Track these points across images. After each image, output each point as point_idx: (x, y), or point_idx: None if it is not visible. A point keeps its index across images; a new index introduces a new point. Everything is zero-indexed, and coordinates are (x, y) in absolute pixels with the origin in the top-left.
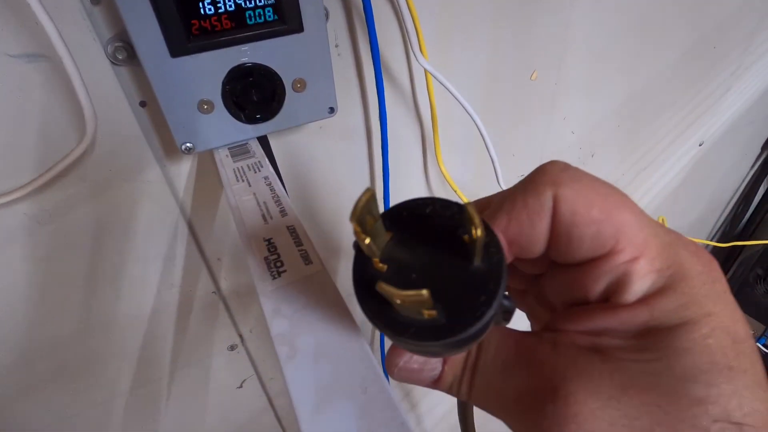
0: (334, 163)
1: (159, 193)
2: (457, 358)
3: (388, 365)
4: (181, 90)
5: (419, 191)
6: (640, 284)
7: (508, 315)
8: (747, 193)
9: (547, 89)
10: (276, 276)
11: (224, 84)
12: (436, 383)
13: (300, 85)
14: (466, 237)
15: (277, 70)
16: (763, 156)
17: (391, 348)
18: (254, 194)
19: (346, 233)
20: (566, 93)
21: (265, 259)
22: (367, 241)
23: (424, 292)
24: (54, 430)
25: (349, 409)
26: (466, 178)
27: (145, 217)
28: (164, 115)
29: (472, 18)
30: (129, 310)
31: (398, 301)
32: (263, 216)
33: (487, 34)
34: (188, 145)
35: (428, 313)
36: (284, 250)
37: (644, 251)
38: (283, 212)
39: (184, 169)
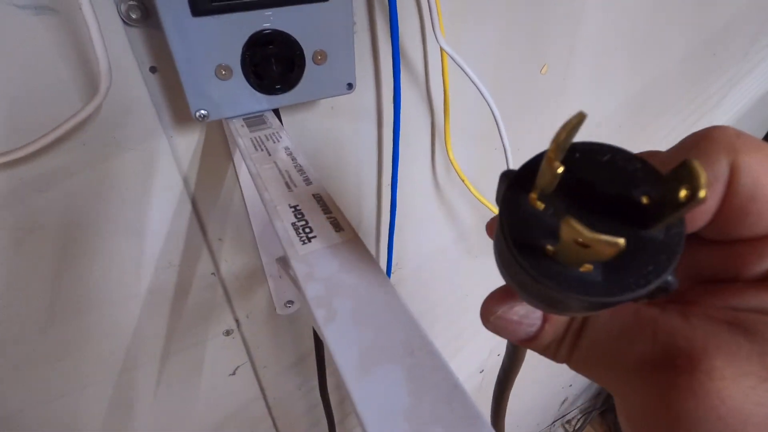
0: (343, 145)
1: (163, 166)
2: (561, 319)
3: (484, 311)
4: (199, 52)
5: (424, 178)
6: None
7: (665, 292)
8: None
9: (555, 85)
10: (306, 241)
11: (244, 50)
12: (530, 341)
13: (321, 57)
14: (645, 198)
15: (298, 39)
16: None
17: (492, 294)
18: (275, 163)
19: (351, 216)
20: (572, 89)
21: (293, 225)
22: (560, 169)
23: (621, 240)
24: (35, 413)
25: (397, 372)
26: (473, 167)
27: (146, 190)
28: (180, 79)
29: (487, 4)
30: (124, 288)
31: (580, 241)
32: (287, 184)
33: (501, 18)
34: (203, 112)
35: (586, 267)
36: (312, 218)
37: None
38: (307, 181)
39: (190, 142)
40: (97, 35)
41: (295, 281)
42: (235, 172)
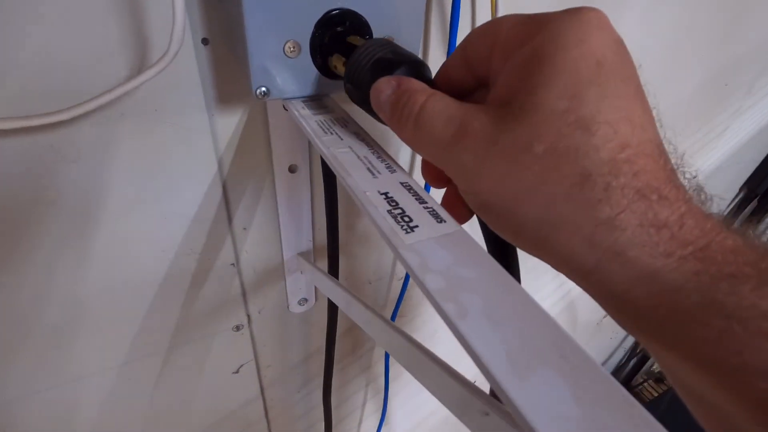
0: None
1: (200, 145)
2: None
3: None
4: (273, 26)
5: None
6: None
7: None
8: None
9: None
10: (408, 231)
11: (316, 28)
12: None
13: None
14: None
15: (370, 23)
16: (740, 195)
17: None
18: (350, 147)
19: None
20: None
21: (390, 212)
22: None
23: None
24: (26, 404)
25: (557, 378)
26: None
27: (180, 170)
28: (247, 52)
29: None
30: (140, 274)
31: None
32: (369, 170)
33: None
34: (264, 89)
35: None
36: (408, 207)
37: None
38: (390, 168)
39: (230, 123)
40: (180, 2)
41: (410, 272)
42: (271, 158)
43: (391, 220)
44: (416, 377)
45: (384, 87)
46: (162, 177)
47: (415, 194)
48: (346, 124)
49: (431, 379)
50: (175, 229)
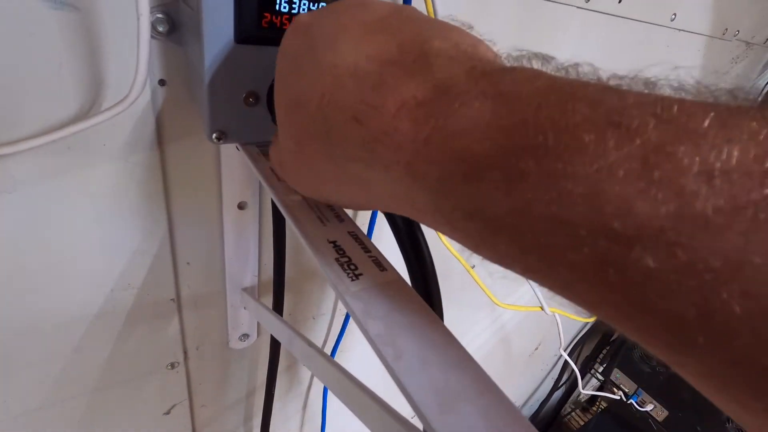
0: None
1: (149, 179)
2: None
3: None
4: (233, 77)
5: None
6: None
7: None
8: None
9: None
10: (353, 278)
11: (273, 81)
12: None
13: None
14: None
15: None
16: None
17: None
18: (302, 195)
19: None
20: None
21: (336, 260)
22: None
23: None
24: None
25: (474, 412)
26: None
27: (125, 204)
28: (205, 98)
29: None
30: (71, 309)
31: None
32: (319, 218)
33: None
34: (219, 134)
35: None
36: (354, 255)
37: None
38: (338, 217)
39: (182, 159)
40: (145, 46)
41: (353, 317)
42: (220, 194)
43: (338, 268)
44: (355, 413)
45: None
46: (105, 209)
47: (361, 243)
48: None
49: (369, 415)
50: (114, 263)
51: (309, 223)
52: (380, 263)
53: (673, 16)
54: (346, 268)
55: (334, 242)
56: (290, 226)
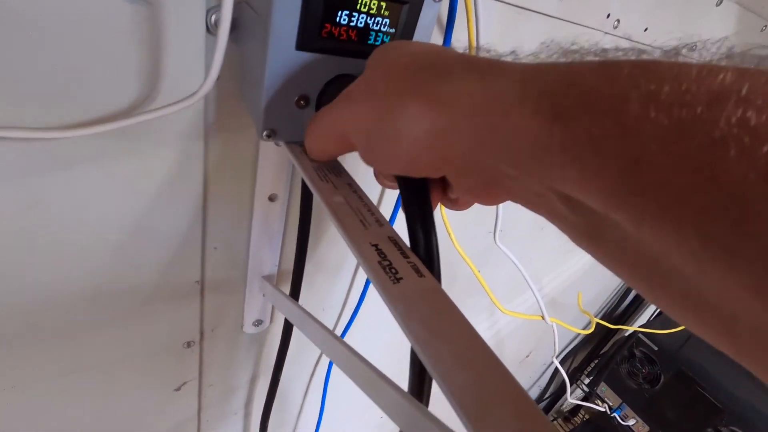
0: None
1: (191, 168)
2: None
3: None
4: (289, 80)
5: None
6: None
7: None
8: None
9: None
10: (395, 281)
11: (325, 86)
12: None
13: None
14: None
15: None
16: None
17: None
18: (344, 197)
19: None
20: None
21: (379, 263)
22: None
23: None
24: None
25: (506, 416)
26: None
27: (165, 190)
28: (259, 97)
29: None
30: (103, 282)
31: None
32: (361, 221)
33: None
34: (270, 132)
35: None
36: (394, 259)
37: None
38: (378, 222)
39: (224, 151)
40: (222, 44)
41: (397, 319)
42: (254, 186)
43: (380, 271)
44: (360, 387)
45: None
46: (146, 193)
47: (400, 249)
48: (339, 173)
49: (373, 387)
50: (146, 242)
51: (351, 225)
52: (418, 269)
53: None
54: (388, 271)
55: (375, 245)
56: (330, 225)
